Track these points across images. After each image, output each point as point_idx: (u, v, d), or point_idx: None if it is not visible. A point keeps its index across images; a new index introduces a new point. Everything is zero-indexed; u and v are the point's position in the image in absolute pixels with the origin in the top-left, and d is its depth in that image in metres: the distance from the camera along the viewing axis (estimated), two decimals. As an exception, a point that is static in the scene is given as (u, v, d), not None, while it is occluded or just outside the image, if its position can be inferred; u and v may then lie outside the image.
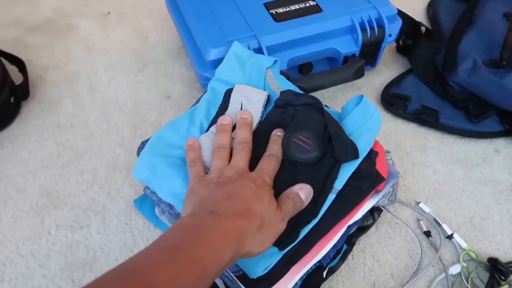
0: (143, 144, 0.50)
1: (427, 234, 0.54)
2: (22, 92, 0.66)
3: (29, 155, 0.61)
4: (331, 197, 0.41)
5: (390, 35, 0.64)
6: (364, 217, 0.51)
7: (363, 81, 0.72)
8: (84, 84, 0.71)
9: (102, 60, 0.74)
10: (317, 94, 0.68)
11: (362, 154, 0.43)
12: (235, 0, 0.64)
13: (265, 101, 0.48)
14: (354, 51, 0.64)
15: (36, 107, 0.67)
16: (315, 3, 0.64)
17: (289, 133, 0.44)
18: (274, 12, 0.62)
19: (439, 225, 0.54)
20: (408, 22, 0.74)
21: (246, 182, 0.39)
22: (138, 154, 0.49)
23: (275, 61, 0.52)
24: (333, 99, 0.69)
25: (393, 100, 0.66)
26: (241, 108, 0.48)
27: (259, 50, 0.58)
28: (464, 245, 0.53)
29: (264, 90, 0.50)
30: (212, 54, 0.57)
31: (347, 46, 0.63)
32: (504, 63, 0.62)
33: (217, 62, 0.55)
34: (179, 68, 0.73)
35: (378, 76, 0.73)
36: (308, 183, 0.41)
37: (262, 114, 0.47)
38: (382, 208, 0.54)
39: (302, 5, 0.64)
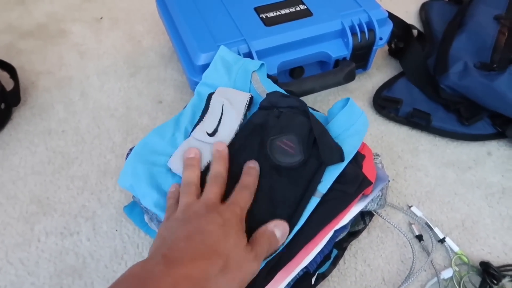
0: (132, 150, 0.50)
1: (419, 238, 0.54)
2: (13, 98, 0.66)
3: (20, 161, 0.61)
4: (315, 200, 0.41)
5: (381, 39, 0.64)
6: (355, 222, 0.51)
7: (355, 85, 0.71)
8: (76, 89, 0.70)
9: (95, 65, 0.74)
10: (308, 98, 0.69)
11: (348, 157, 0.42)
12: (225, 5, 0.64)
13: (247, 103, 0.47)
14: (345, 55, 0.63)
15: (28, 113, 0.67)
16: (305, 7, 0.64)
17: (273, 137, 0.43)
18: (264, 17, 0.62)
19: (431, 228, 0.54)
20: (400, 25, 0.74)
21: (212, 217, 0.35)
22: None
23: (262, 64, 0.52)
24: (325, 102, 0.69)
25: (384, 104, 0.66)
26: (222, 110, 0.47)
27: (249, 55, 0.58)
28: (456, 249, 0.53)
29: (249, 93, 0.50)
30: (202, 59, 0.57)
31: (338, 50, 0.63)
32: (494, 65, 0.61)
33: (207, 66, 0.55)
34: (171, 73, 0.73)
35: (370, 79, 0.73)
36: (291, 187, 0.41)
37: (245, 115, 0.47)
38: (374, 213, 0.53)
39: (292, 9, 0.64)
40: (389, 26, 0.66)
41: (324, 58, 0.64)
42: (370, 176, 0.44)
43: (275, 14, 0.63)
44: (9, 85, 0.66)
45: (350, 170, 0.43)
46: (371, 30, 0.63)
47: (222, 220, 0.35)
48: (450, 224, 0.56)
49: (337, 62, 0.64)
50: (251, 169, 0.42)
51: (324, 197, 0.42)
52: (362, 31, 0.63)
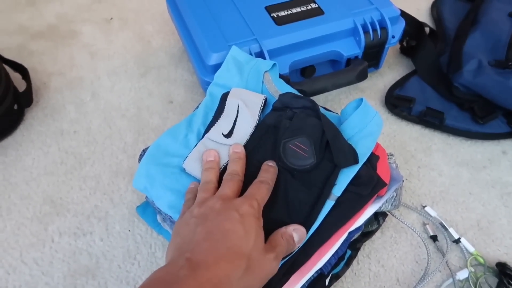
0: (144, 151, 0.50)
1: (434, 238, 0.53)
2: (25, 99, 0.66)
3: (33, 162, 0.61)
4: (329, 203, 0.41)
5: (393, 37, 0.64)
6: (369, 222, 0.51)
7: (367, 83, 0.71)
8: (87, 90, 0.71)
9: (105, 66, 0.74)
10: (320, 97, 0.68)
11: (362, 159, 0.42)
12: (236, 4, 0.64)
13: (262, 105, 0.47)
14: (357, 53, 0.63)
15: (40, 114, 0.67)
16: (316, 5, 0.63)
17: (286, 139, 0.43)
18: (275, 16, 0.62)
19: (446, 229, 0.53)
20: (411, 23, 0.73)
21: (229, 214, 0.35)
22: (139, 161, 0.49)
23: (274, 64, 0.52)
24: (336, 101, 0.69)
25: (397, 102, 0.66)
26: (237, 111, 0.47)
27: (260, 54, 0.58)
28: (471, 249, 0.52)
29: (262, 93, 0.50)
30: (213, 59, 0.57)
31: (350, 49, 0.62)
32: (510, 63, 0.60)
33: (219, 66, 0.54)
34: (182, 73, 0.73)
35: (382, 77, 0.72)
36: (305, 190, 0.41)
37: (259, 117, 0.47)
38: (387, 213, 0.53)
39: (303, 8, 0.63)
40: (402, 24, 0.65)
41: (336, 57, 0.63)
42: (384, 177, 0.44)
43: (286, 13, 0.62)
44: (21, 86, 0.67)
45: (364, 172, 0.42)
46: (384, 28, 0.63)
47: (239, 215, 0.35)
48: (465, 224, 0.55)
49: (349, 61, 0.63)
50: (270, 167, 0.42)
51: (339, 199, 0.41)
52: (374, 30, 0.62)
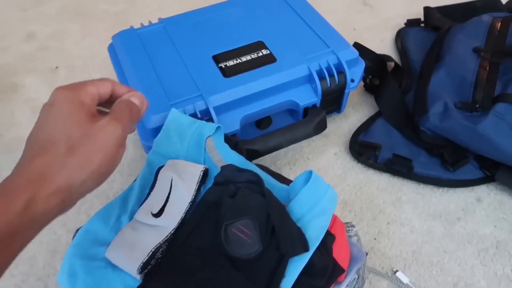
0: (77, 232, 0.44)
1: (407, 310, 0.48)
2: (-48, 170, 0.60)
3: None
4: (278, 300, 0.35)
5: (352, 81, 0.59)
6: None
7: (330, 127, 0.66)
8: (26, 152, 0.64)
9: (47, 123, 0.68)
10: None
11: (314, 243, 0.37)
12: (181, 54, 0.59)
13: (201, 177, 0.42)
14: (315, 102, 0.58)
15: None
16: (268, 51, 0.59)
17: (228, 222, 0.38)
18: (223, 66, 0.57)
19: (419, 299, 0.48)
20: (373, 59, 0.69)
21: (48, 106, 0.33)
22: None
23: (218, 127, 0.46)
24: (297, 150, 0.64)
25: (362, 150, 0.61)
26: (171, 186, 0.42)
27: (206, 112, 0.53)
28: (448, 321, 0.47)
29: (204, 163, 0.44)
30: (153, 122, 0.51)
31: (306, 97, 0.58)
32: (477, 105, 0.56)
33: (159, 129, 0.49)
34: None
35: (346, 119, 0.68)
36: (249, 284, 0.35)
37: (196, 191, 0.41)
38: None
39: (254, 55, 0.58)
40: (361, 66, 0.61)
41: (292, 107, 0.58)
42: (342, 259, 0.39)
43: (235, 62, 0.57)
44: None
45: (318, 259, 0.37)
46: (341, 72, 0.58)
47: (51, 101, 0.33)
48: (441, 290, 0.50)
49: (306, 110, 0.58)
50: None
51: (289, 294, 0.36)
52: (331, 75, 0.57)
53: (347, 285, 0.40)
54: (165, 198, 0.41)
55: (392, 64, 0.73)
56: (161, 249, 0.38)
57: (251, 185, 0.40)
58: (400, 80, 0.70)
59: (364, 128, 0.64)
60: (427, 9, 0.80)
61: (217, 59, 0.58)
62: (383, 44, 0.81)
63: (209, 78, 0.55)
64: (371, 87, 0.70)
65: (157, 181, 0.42)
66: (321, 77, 0.57)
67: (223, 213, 0.39)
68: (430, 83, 0.61)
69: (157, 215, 0.41)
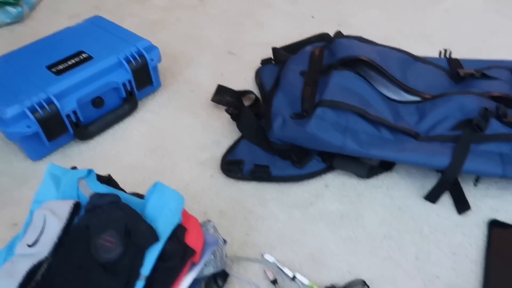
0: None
1: (274, 282, 0.58)
2: None
3: None
4: (140, 284, 0.44)
5: (152, 59, 0.84)
6: (208, 286, 0.55)
7: (206, 156, 0.78)
8: None
9: None
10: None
11: (164, 235, 0.47)
12: (22, 69, 0.78)
13: (72, 208, 0.51)
14: (129, 78, 0.82)
15: None
16: (87, 54, 0.82)
17: (96, 236, 0.47)
18: (55, 70, 0.78)
19: (282, 270, 0.59)
20: (232, 95, 0.84)
21: None
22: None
23: (90, 171, 0.57)
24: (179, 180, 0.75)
25: (229, 167, 0.74)
26: (44, 221, 0.50)
27: (48, 100, 0.73)
28: (306, 282, 0.58)
29: (78, 198, 0.54)
30: (8, 112, 0.69)
31: (121, 76, 0.81)
32: (304, 113, 0.72)
33: (15, 118, 0.69)
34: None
35: (219, 148, 0.80)
36: (116, 279, 0.44)
37: (68, 220, 0.50)
38: (228, 272, 0.58)
39: (77, 59, 0.81)
40: (156, 51, 0.86)
41: (114, 85, 0.81)
42: (195, 244, 0.49)
43: (63, 66, 0.79)
44: None
45: (170, 246, 0.47)
46: (142, 55, 0.83)
47: None
48: (301, 259, 0.61)
49: (130, 93, 0.83)
50: None
51: (151, 278, 0.45)
52: (134, 58, 0.82)
53: (205, 264, 0.50)
54: (40, 231, 0.50)
55: (253, 96, 0.89)
56: (39, 271, 0.46)
57: (112, 205, 0.50)
58: (259, 108, 0.85)
59: (230, 150, 0.78)
60: (274, 49, 0.99)
61: (50, 67, 0.79)
62: (246, 82, 0.98)
63: (45, 79, 0.76)
64: (234, 116, 0.84)
65: (33, 220, 0.51)
66: (128, 61, 0.81)
67: (92, 232, 0.48)
68: (273, 105, 0.77)
69: (32, 245, 0.49)
